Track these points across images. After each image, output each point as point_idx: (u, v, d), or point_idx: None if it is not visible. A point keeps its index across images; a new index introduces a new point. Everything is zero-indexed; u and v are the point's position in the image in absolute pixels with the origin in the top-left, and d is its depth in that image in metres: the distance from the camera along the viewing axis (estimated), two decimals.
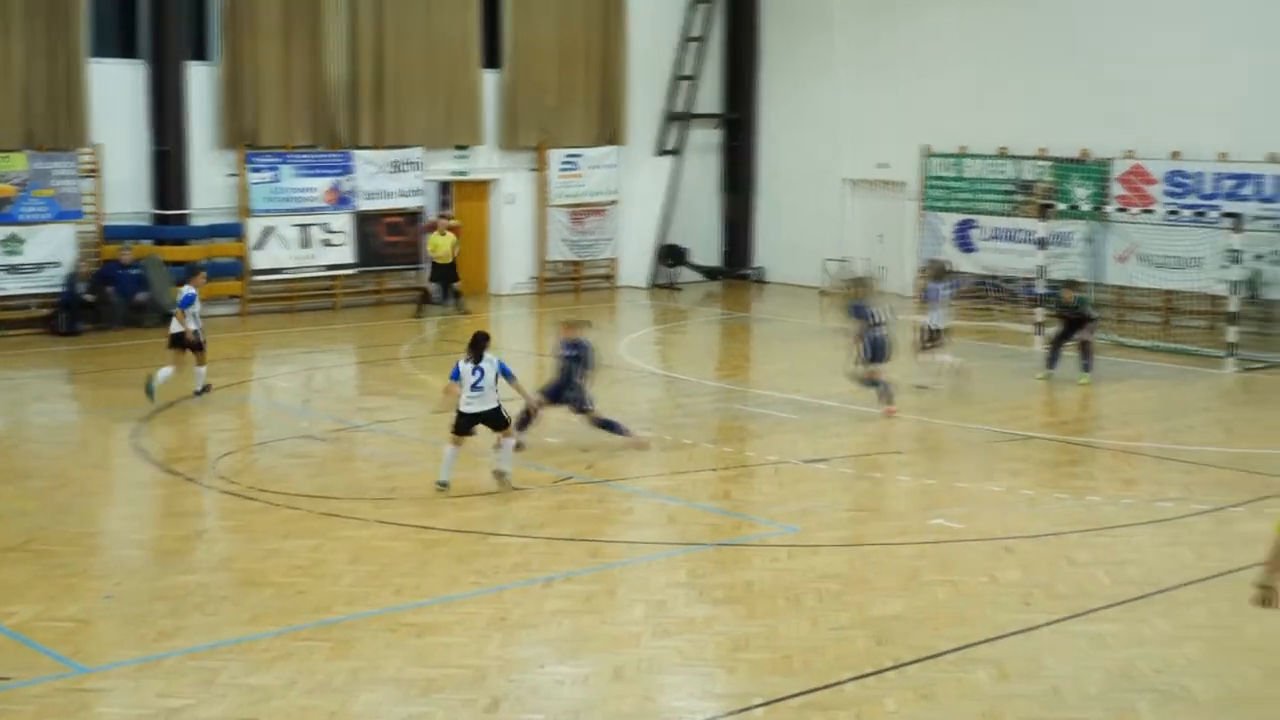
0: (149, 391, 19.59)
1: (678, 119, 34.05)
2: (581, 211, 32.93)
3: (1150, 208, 27.14)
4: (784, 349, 26.12)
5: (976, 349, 24.96)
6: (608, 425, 17.37)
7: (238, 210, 28.54)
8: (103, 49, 27.26)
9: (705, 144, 34.88)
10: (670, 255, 34.18)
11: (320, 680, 10.32)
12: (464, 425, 15.51)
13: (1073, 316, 22.03)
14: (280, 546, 13.59)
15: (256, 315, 28.20)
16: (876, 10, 32.34)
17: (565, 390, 17.29)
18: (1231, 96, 26.61)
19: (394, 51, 29.82)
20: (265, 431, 19.34)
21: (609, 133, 33.07)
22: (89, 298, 26.33)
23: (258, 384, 22.33)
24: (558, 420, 17.78)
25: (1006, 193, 30.06)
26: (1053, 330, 22.92)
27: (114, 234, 27.21)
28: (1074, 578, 12.82)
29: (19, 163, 26.13)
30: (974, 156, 30.55)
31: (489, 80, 31.45)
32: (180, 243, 27.81)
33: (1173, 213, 26.56)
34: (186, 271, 21.60)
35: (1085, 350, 21.91)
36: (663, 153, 34.06)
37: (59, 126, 26.52)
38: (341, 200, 29.60)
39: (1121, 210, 27.22)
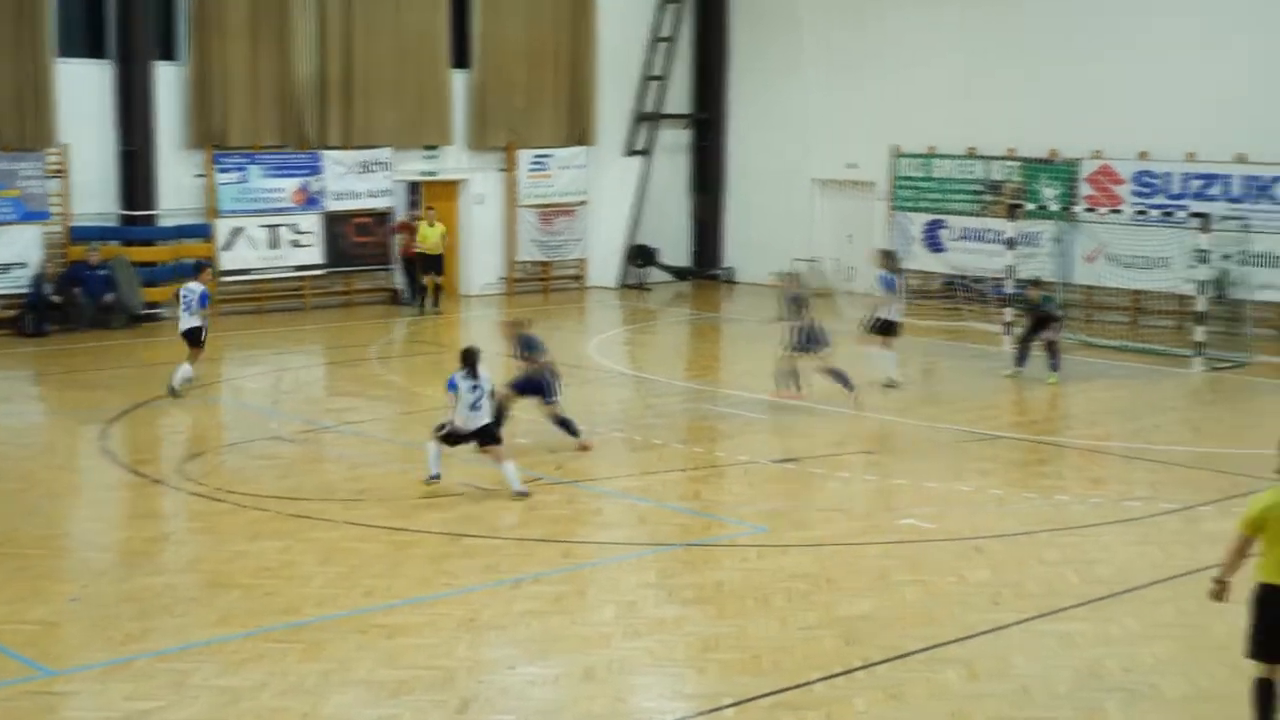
0: (173, 393, 20.02)
1: (647, 119, 34.06)
2: (551, 212, 32.90)
3: (1118, 208, 27.26)
4: (753, 349, 26.03)
5: (945, 348, 25.08)
6: (564, 424, 17.47)
7: (205, 211, 28.43)
8: (70, 49, 27.08)
9: (674, 144, 34.90)
10: (640, 255, 34.17)
11: (291, 682, 10.29)
12: (458, 441, 15.38)
13: (1038, 315, 22.18)
14: (249, 548, 13.53)
15: (225, 316, 28.08)
16: (845, 11, 32.40)
17: (529, 384, 17.45)
18: (1199, 97, 26.72)
19: (362, 51, 29.75)
20: (234, 433, 19.25)
21: (578, 133, 33.05)
22: (56, 299, 26.19)
23: (226, 385, 22.21)
24: (527, 421, 17.77)
25: (975, 193, 30.14)
26: (1019, 329, 23.04)
27: (81, 234, 27.06)
28: (1043, 577, 12.86)
29: None
30: (943, 157, 30.64)
31: (458, 80, 31.40)
32: (148, 243, 27.69)
33: (1140, 213, 26.67)
34: (194, 269, 21.84)
35: (1052, 350, 22.02)
36: (632, 153, 34.06)
37: (25, 126, 26.33)
38: (310, 201, 29.50)
39: (1090, 210, 27.32)
